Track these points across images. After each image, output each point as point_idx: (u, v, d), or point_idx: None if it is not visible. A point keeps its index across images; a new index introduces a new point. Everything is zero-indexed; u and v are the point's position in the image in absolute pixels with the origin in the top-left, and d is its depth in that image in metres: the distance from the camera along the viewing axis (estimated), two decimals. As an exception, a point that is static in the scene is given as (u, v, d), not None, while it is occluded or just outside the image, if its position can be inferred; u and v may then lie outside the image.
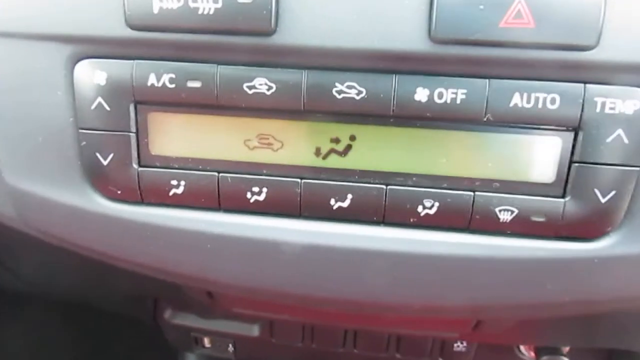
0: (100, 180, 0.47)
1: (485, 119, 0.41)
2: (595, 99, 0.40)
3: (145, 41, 0.41)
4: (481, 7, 0.37)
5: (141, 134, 0.45)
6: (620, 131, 0.40)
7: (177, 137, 0.45)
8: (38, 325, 1.01)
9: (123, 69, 0.43)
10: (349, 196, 0.44)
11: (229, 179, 0.45)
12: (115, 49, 0.43)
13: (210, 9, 0.39)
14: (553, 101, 0.40)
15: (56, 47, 0.43)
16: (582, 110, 0.40)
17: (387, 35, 0.39)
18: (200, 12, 0.39)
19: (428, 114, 0.41)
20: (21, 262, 0.77)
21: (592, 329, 0.72)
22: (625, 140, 0.40)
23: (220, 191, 0.45)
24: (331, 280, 0.47)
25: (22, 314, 0.98)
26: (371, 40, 0.39)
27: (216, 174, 0.45)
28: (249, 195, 0.45)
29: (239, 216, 0.46)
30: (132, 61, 0.43)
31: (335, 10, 0.39)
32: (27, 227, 0.52)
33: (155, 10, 0.40)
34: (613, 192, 0.42)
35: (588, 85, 0.40)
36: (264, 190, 0.45)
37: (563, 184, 0.42)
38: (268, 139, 0.44)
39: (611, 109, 0.40)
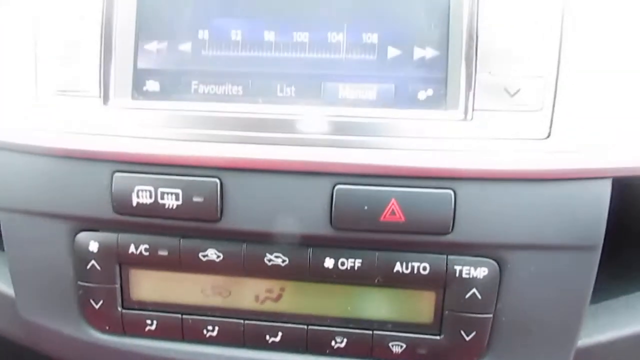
0: (93, 318, 0.61)
1: (376, 280, 0.55)
2: (455, 267, 0.54)
3: (127, 222, 0.56)
4: (366, 207, 0.52)
5: (124, 285, 0.59)
6: (474, 290, 0.54)
7: (151, 287, 0.60)
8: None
9: (110, 240, 0.57)
10: (280, 333, 0.59)
11: (190, 320, 0.59)
12: (105, 226, 0.57)
13: (173, 205, 0.54)
14: (425, 268, 0.54)
15: (62, 222, 0.58)
16: (446, 275, 0.54)
17: (302, 224, 0.53)
18: (166, 206, 0.54)
19: (334, 276, 0.55)
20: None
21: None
22: (479, 297, 0.54)
23: (183, 328, 0.60)
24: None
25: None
26: (290, 226, 0.54)
27: (180, 315, 0.59)
28: (204, 331, 0.59)
29: (198, 346, 0.61)
30: (117, 234, 0.57)
31: (264, 206, 0.54)
32: (33, 346, 0.66)
33: (134, 204, 0.54)
34: (474, 332, 0.56)
35: (449, 257, 0.54)
36: (216, 327, 0.59)
37: (438, 326, 0.56)
38: (219, 289, 0.59)
39: (467, 274, 0.54)
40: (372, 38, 0.54)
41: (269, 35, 0.55)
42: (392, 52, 0.54)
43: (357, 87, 0.54)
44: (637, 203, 0.59)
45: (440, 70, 0.53)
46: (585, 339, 0.58)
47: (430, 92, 0.53)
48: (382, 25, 0.54)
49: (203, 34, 0.55)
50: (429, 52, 0.53)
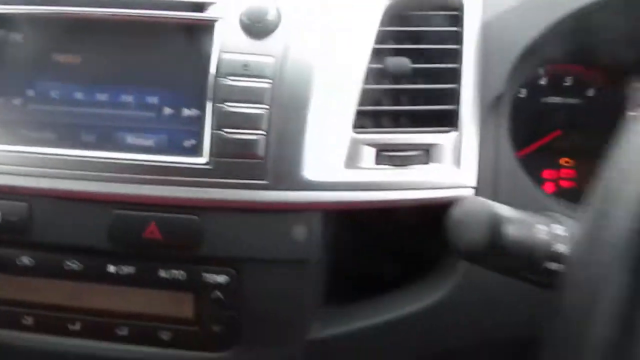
0: None
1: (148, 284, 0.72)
2: (203, 274, 0.71)
3: None
4: (134, 226, 0.70)
5: None
6: (218, 292, 0.72)
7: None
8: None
9: None
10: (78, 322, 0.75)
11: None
12: None
13: (-10, 221, 0.71)
14: (182, 275, 0.71)
15: None
16: (198, 281, 0.71)
17: (89, 240, 0.71)
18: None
19: (115, 279, 0.72)
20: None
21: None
22: (223, 298, 0.71)
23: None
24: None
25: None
26: (81, 241, 0.71)
27: None
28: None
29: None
30: None
31: (63, 226, 0.71)
32: None
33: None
34: (223, 326, 0.73)
35: (199, 266, 0.71)
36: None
37: (196, 320, 0.73)
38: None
39: (212, 280, 0.71)
40: (154, 100, 0.72)
41: (79, 95, 0.73)
42: (167, 110, 0.72)
43: (141, 137, 0.72)
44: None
45: (198, 125, 0.71)
46: (315, 334, 0.75)
47: (193, 141, 0.71)
48: (160, 90, 0.72)
49: (30, 92, 0.74)
50: (193, 112, 0.72)
